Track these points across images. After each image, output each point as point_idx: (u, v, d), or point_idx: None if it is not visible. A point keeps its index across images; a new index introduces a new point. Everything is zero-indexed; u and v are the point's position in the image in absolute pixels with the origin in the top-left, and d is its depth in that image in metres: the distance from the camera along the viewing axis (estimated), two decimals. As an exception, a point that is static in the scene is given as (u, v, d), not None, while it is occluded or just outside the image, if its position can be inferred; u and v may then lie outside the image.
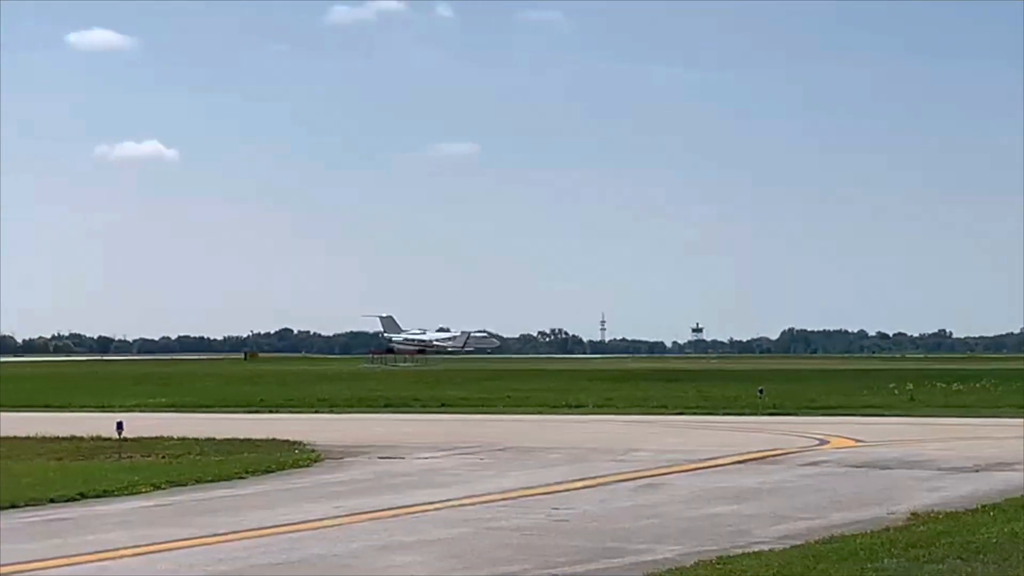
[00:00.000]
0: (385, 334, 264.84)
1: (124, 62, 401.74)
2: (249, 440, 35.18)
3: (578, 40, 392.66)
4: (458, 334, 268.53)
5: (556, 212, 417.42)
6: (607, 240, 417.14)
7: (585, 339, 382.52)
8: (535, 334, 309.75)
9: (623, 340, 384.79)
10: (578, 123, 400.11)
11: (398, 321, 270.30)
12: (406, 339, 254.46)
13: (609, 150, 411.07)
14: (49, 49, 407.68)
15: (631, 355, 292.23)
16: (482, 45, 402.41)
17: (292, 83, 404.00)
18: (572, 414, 50.35)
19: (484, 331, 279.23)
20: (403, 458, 31.51)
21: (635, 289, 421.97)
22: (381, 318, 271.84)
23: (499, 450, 33.71)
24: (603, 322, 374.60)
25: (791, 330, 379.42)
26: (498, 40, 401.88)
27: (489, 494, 24.40)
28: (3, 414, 49.92)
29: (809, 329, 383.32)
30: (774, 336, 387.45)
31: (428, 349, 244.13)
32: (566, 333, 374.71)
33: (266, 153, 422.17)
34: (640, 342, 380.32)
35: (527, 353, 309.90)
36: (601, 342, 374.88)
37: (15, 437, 36.17)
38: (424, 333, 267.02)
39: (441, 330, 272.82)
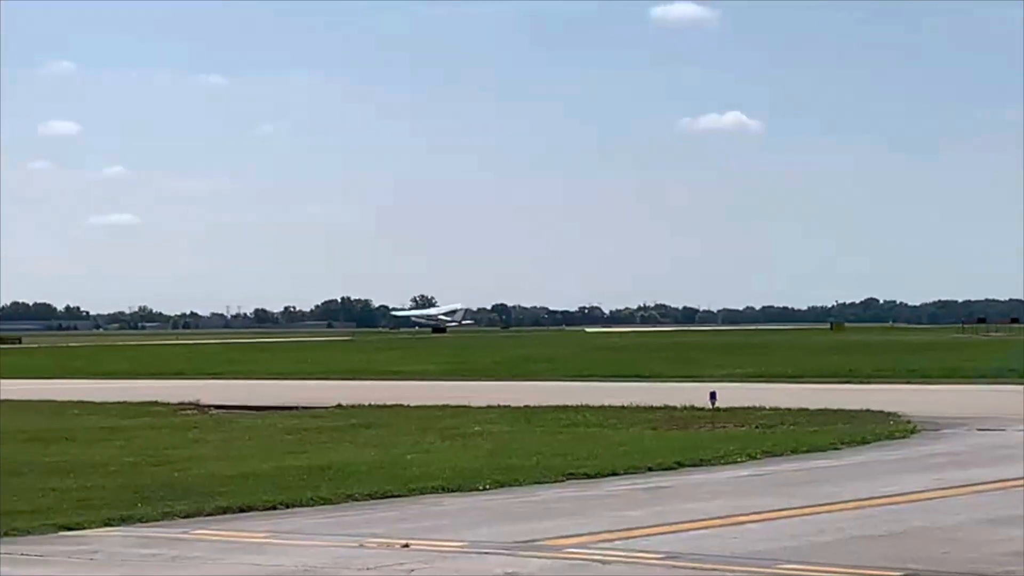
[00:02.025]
0: None
1: (707, 34, 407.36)
2: (842, 410, 34.72)
3: None
4: None
5: None
6: None
7: None
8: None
9: None
10: None
11: None
12: None
13: None
14: (634, 24, 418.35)
15: None
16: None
17: (866, 50, 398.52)
18: None
19: None
20: (1003, 430, 30.39)
21: None
22: None
23: (1106, 423, 32.02)
24: None
25: None
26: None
27: (1099, 468, 23.19)
28: (599, 383, 51.35)
29: None
30: None
31: None
32: None
33: (847, 122, 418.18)
34: None
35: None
36: None
37: (610, 406, 36.97)
38: None
39: None
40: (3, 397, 46.58)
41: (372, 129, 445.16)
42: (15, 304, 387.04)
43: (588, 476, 23.15)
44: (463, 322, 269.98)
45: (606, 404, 37.50)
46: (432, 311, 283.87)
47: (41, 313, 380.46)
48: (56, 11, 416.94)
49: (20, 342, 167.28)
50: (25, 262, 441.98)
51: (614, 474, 23.42)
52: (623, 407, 36.78)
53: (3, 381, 61.08)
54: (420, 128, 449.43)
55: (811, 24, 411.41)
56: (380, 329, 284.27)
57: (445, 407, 38.33)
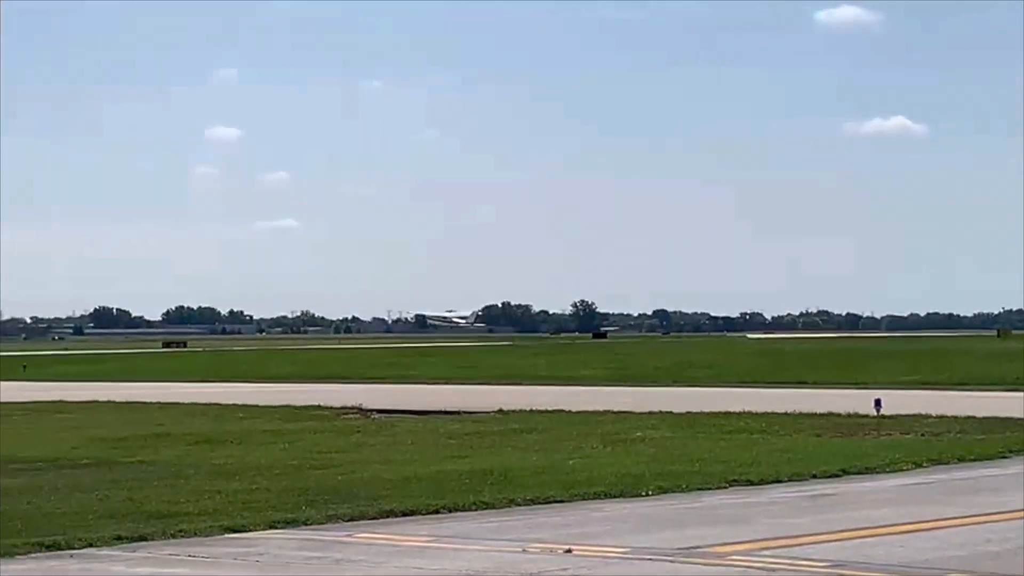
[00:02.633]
0: None
1: (872, 37, 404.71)
2: (1010, 419, 34.10)
3: None
4: None
5: None
6: None
7: None
8: None
9: None
10: None
11: None
12: None
13: None
14: (798, 28, 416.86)
15: None
16: None
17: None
18: None
19: None
20: None
21: None
22: None
23: None
24: None
25: None
26: None
27: None
28: (762, 389, 50.95)
29: None
30: None
31: None
32: None
33: (1009, 125, 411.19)
34: None
35: None
36: None
37: (772, 413, 36.70)
38: None
39: None
40: (170, 400, 47.43)
41: (529, 134, 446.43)
42: (180, 308, 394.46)
43: (751, 483, 22.96)
44: (473, 324, 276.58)
45: (769, 411, 37.21)
46: (446, 313, 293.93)
47: (206, 317, 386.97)
48: (220, 19, 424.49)
49: (185, 346, 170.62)
50: (190, 266, 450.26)
51: (777, 481, 23.20)
52: (786, 414, 36.49)
53: (170, 384, 62.22)
54: (577, 131, 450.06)
55: (976, 25, 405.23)
56: (541, 334, 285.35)
57: (606, 412, 38.26)
